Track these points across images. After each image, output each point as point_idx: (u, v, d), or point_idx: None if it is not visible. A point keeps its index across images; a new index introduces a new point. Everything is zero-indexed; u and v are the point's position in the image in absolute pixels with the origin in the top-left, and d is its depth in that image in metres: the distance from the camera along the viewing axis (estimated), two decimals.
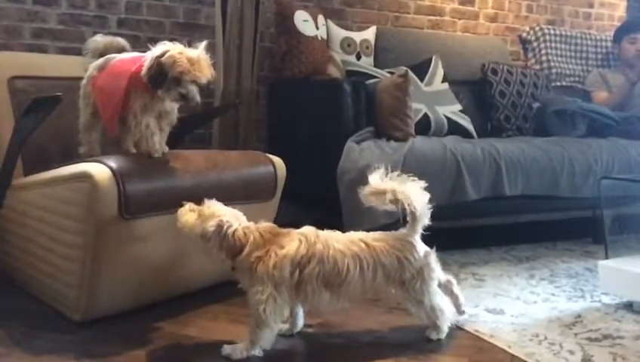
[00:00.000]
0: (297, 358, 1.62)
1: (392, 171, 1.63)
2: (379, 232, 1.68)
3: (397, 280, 1.63)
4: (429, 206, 1.66)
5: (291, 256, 1.54)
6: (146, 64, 1.72)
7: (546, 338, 1.78)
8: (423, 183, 1.65)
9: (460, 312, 1.84)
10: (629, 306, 2.04)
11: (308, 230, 1.62)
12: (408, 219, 1.66)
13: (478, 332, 1.81)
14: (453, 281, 1.83)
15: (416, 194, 1.63)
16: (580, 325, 1.89)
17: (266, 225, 1.61)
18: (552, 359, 1.63)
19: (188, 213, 1.60)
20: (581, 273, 2.49)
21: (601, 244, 2.59)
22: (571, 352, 1.67)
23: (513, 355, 1.65)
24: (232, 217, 1.58)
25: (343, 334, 1.78)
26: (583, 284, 2.33)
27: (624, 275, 2.03)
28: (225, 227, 1.54)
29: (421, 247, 1.67)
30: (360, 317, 1.86)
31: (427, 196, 1.65)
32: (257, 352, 1.56)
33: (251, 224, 1.60)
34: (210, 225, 1.54)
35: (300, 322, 1.73)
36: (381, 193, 1.61)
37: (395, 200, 1.60)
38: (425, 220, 1.67)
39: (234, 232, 1.55)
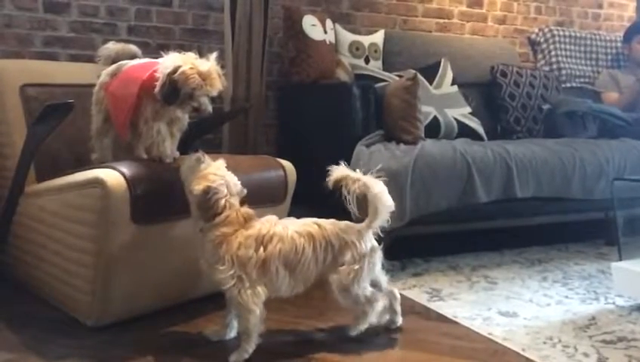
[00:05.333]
0: None
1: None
2: (332, 220, 1.72)
3: (338, 263, 1.66)
4: (394, 209, 1.71)
5: (255, 235, 1.61)
6: (159, 82, 1.72)
7: (560, 340, 1.76)
8: (383, 183, 1.70)
9: (391, 328, 1.83)
10: None
11: (270, 217, 1.70)
12: (369, 213, 1.70)
13: (491, 336, 1.80)
14: (397, 295, 1.83)
15: (382, 192, 1.69)
16: (595, 327, 1.87)
17: (246, 209, 1.66)
18: None
19: (189, 161, 1.66)
20: (594, 275, 2.47)
21: (615, 246, 2.57)
22: (586, 355, 1.66)
23: (527, 358, 1.64)
24: (222, 185, 1.61)
25: (354, 336, 1.77)
26: (596, 286, 2.31)
27: (638, 277, 2.01)
28: (210, 193, 1.59)
29: (369, 240, 1.71)
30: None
31: (391, 200, 1.70)
32: (256, 341, 1.60)
33: (236, 201, 1.64)
34: (197, 189, 1.59)
35: (233, 332, 1.73)
36: (350, 180, 1.67)
37: (365, 189, 1.67)
38: (384, 219, 1.71)
39: (217, 200, 1.60)
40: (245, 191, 1.68)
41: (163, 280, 1.87)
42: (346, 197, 1.68)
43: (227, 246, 1.59)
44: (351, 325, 1.75)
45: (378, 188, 1.68)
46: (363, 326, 1.73)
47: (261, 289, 1.60)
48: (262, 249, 1.60)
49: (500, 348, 1.71)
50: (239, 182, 1.67)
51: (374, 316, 1.74)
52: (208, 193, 1.59)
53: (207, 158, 1.66)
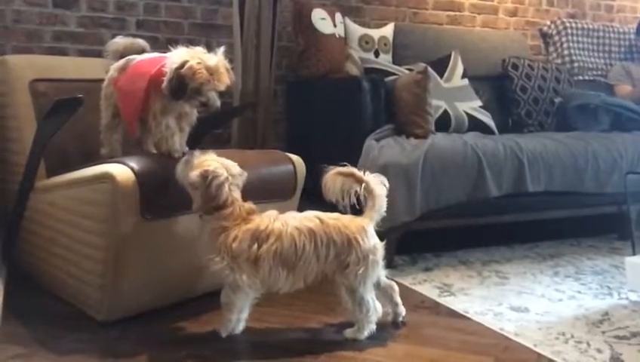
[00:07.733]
0: (323, 358, 1.62)
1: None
2: (335, 213, 1.71)
3: (343, 263, 1.64)
4: (387, 200, 1.75)
5: (252, 231, 1.61)
6: (166, 76, 1.71)
7: (572, 336, 1.75)
8: (383, 178, 1.73)
9: (398, 322, 1.82)
10: None
11: (270, 212, 1.68)
12: (366, 207, 1.72)
13: (502, 331, 1.79)
14: (395, 288, 1.81)
15: (377, 185, 1.71)
16: (608, 323, 1.85)
17: (249, 205, 1.66)
18: (580, 358, 1.60)
19: (181, 163, 1.68)
20: (607, 270, 2.45)
21: (628, 241, 2.55)
22: (599, 351, 1.64)
23: (539, 354, 1.62)
24: (220, 168, 1.62)
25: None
26: (609, 281, 2.29)
27: None
28: (210, 177, 1.59)
29: (372, 235, 1.69)
30: (382, 314, 1.84)
31: (385, 191, 1.74)
32: (235, 316, 1.66)
33: (239, 190, 1.65)
34: (194, 175, 1.60)
35: (242, 326, 1.73)
36: (351, 176, 1.69)
37: (365, 187, 1.69)
38: (381, 212, 1.73)
39: (219, 186, 1.60)
40: (246, 174, 1.68)
41: (172, 274, 1.87)
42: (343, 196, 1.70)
43: (223, 238, 1.60)
44: (351, 329, 1.72)
45: (379, 184, 1.71)
46: (361, 336, 1.70)
47: (254, 281, 1.62)
48: (256, 245, 1.60)
49: (512, 344, 1.70)
50: (237, 164, 1.67)
51: (369, 325, 1.70)
52: (207, 177, 1.59)
53: (197, 152, 1.67)
